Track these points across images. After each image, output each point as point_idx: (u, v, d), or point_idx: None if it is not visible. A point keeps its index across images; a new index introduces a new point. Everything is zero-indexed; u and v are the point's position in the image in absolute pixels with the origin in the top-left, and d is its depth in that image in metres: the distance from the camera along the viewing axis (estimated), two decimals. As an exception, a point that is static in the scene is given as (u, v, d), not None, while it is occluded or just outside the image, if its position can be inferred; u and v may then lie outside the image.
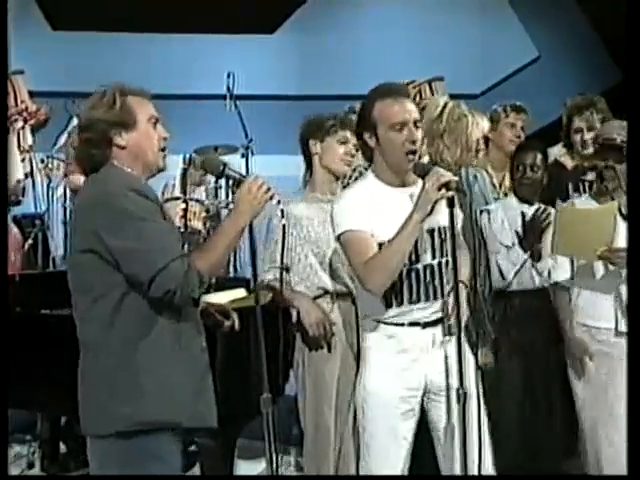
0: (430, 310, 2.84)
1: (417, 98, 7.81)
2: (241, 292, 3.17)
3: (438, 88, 7.36)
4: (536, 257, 3.66)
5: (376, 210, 2.76)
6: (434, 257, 2.84)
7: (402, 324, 2.83)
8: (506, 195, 3.97)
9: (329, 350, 3.33)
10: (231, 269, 5.82)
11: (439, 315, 2.85)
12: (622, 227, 3.28)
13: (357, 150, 3.40)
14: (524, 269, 3.68)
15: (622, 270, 3.27)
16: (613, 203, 3.32)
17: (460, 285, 2.82)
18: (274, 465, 2.53)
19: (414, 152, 2.76)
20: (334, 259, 3.34)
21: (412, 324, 2.83)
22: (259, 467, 3.90)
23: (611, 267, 3.32)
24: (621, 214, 3.33)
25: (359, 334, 3.09)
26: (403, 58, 7.79)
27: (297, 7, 8.03)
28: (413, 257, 2.80)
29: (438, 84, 7.27)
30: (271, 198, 2.43)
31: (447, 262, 2.84)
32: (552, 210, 3.70)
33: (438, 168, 2.68)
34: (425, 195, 2.62)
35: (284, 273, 3.34)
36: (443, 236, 2.83)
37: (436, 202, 2.62)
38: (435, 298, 2.85)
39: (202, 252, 2.38)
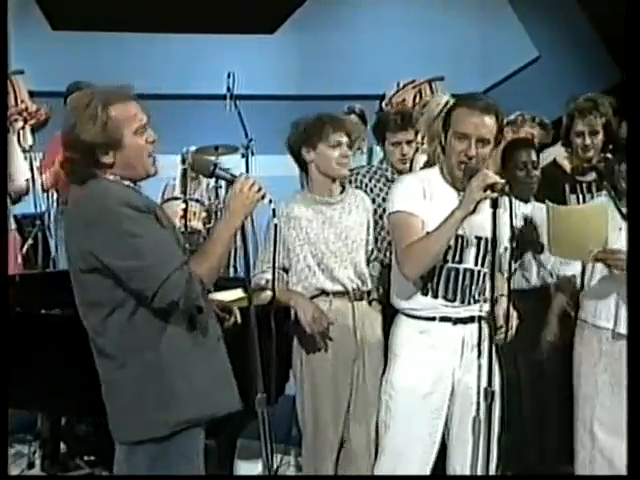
0: (463, 308, 2.90)
1: (417, 98, 7.84)
2: (240, 292, 3.17)
3: (438, 88, 7.37)
4: (539, 249, 3.66)
5: (431, 201, 2.84)
6: (477, 264, 2.90)
7: (433, 318, 2.89)
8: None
9: (326, 350, 3.33)
10: (231, 269, 5.82)
11: (472, 314, 2.91)
12: (622, 226, 3.28)
13: (350, 148, 3.39)
14: (518, 270, 3.70)
15: (619, 272, 3.27)
16: (603, 200, 3.32)
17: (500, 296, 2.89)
18: (270, 465, 2.55)
19: (467, 165, 2.81)
20: (331, 260, 3.35)
21: (443, 319, 2.89)
22: (259, 467, 3.89)
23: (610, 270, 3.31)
24: (621, 213, 3.33)
25: (389, 330, 3.11)
26: (403, 58, 7.79)
27: (297, 7, 8.03)
28: (457, 257, 2.88)
29: (438, 84, 7.27)
30: (263, 197, 2.44)
31: (488, 274, 2.88)
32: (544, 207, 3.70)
33: (486, 170, 2.72)
34: (469, 194, 2.67)
35: (282, 273, 3.36)
36: (489, 246, 2.86)
37: (479, 202, 2.66)
38: (469, 303, 2.91)
39: (200, 258, 2.37)
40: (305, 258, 3.35)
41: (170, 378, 2.32)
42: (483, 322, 2.92)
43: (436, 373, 2.89)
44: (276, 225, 2.55)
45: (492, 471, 2.81)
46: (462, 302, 2.89)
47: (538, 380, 3.73)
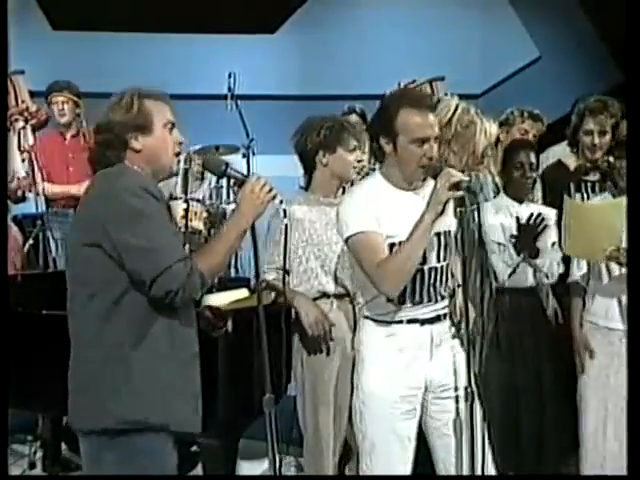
0: (429, 309, 2.86)
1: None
2: (243, 292, 3.16)
3: (439, 88, 7.36)
4: (533, 254, 3.66)
5: (385, 211, 2.76)
6: (439, 260, 2.86)
7: (401, 321, 2.84)
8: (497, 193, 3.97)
9: (327, 353, 3.32)
10: (232, 270, 5.81)
11: (438, 313, 2.87)
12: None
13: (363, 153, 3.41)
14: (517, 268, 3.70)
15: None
16: (622, 198, 3.31)
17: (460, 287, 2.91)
18: (277, 465, 2.54)
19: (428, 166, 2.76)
20: (334, 262, 3.34)
21: (410, 321, 2.84)
22: (261, 467, 3.89)
23: (623, 270, 3.31)
24: None
25: (354, 335, 3.07)
26: (404, 58, 7.79)
27: (298, 7, 8.03)
28: (420, 259, 2.80)
29: (439, 84, 7.27)
30: (274, 198, 2.43)
31: (447, 265, 2.88)
32: (549, 211, 3.69)
33: (449, 169, 2.68)
34: (436, 195, 2.63)
35: (285, 274, 3.35)
36: (447, 240, 2.87)
37: (447, 202, 2.63)
38: (436, 300, 2.87)
39: (204, 254, 2.37)
40: (308, 260, 3.34)
41: (131, 375, 2.31)
42: (447, 319, 2.91)
43: (407, 375, 2.84)
44: (287, 226, 2.54)
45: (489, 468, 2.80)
46: (429, 301, 2.84)
47: (535, 379, 3.73)
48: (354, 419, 2.93)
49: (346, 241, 2.81)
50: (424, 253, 2.79)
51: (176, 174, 2.49)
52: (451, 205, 2.65)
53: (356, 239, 2.76)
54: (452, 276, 2.96)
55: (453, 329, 2.94)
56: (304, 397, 3.37)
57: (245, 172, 2.55)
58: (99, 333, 2.32)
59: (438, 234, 2.82)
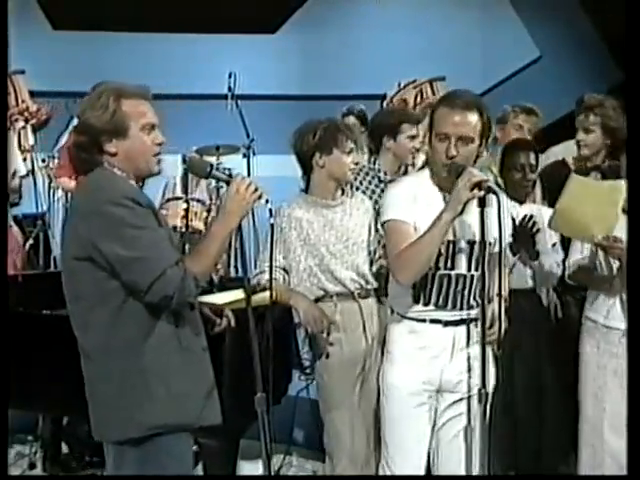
0: (453, 313, 2.88)
1: (418, 98, 7.84)
2: (240, 293, 3.15)
3: (439, 88, 7.38)
4: (533, 257, 3.66)
5: (422, 206, 2.80)
6: (469, 269, 2.87)
7: (424, 320, 2.88)
8: None
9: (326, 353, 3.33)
10: (232, 270, 5.81)
11: (462, 317, 2.89)
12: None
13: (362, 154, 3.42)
14: (516, 269, 3.70)
15: (617, 262, 3.26)
16: (623, 183, 3.23)
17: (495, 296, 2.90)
18: (270, 464, 2.57)
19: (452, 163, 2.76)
20: (331, 262, 3.35)
21: (433, 321, 2.87)
22: (262, 468, 3.89)
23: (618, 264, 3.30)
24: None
25: (386, 327, 3.09)
26: (404, 58, 7.79)
27: (298, 7, 8.03)
28: (449, 264, 2.85)
29: (439, 84, 7.29)
30: (259, 198, 2.44)
31: (481, 276, 2.85)
32: (549, 212, 3.69)
33: (471, 168, 2.68)
34: (456, 195, 2.63)
35: (283, 274, 3.36)
36: (482, 251, 2.82)
37: (467, 202, 2.63)
38: (461, 308, 2.88)
39: (195, 257, 2.38)
40: (306, 259, 3.36)
41: (149, 381, 2.33)
42: (473, 324, 2.91)
43: (424, 373, 2.88)
44: (272, 225, 2.55)
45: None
46: (454, 307, 2.87)
47: (535, 380, 3.73)
48: (381, 402, 3.00)
49: (382, 225, 2.91)
50: (452, 259, 2.83)
51: (158, 174, 2.46)
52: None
53: (388, 225, 2.85)
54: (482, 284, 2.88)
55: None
56: (320, 401, 3.39)
57: (245, 172, 2.55)
58: (105, 344, 2.34)
59: (472, 242, 2.83)
